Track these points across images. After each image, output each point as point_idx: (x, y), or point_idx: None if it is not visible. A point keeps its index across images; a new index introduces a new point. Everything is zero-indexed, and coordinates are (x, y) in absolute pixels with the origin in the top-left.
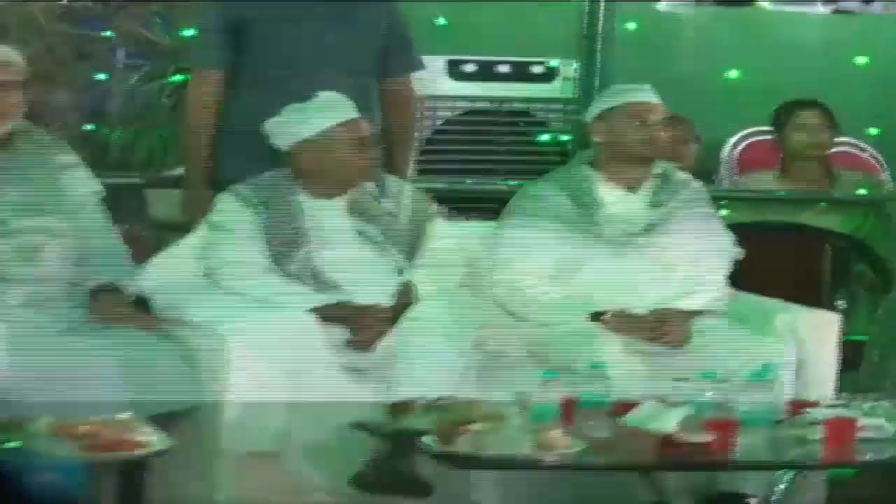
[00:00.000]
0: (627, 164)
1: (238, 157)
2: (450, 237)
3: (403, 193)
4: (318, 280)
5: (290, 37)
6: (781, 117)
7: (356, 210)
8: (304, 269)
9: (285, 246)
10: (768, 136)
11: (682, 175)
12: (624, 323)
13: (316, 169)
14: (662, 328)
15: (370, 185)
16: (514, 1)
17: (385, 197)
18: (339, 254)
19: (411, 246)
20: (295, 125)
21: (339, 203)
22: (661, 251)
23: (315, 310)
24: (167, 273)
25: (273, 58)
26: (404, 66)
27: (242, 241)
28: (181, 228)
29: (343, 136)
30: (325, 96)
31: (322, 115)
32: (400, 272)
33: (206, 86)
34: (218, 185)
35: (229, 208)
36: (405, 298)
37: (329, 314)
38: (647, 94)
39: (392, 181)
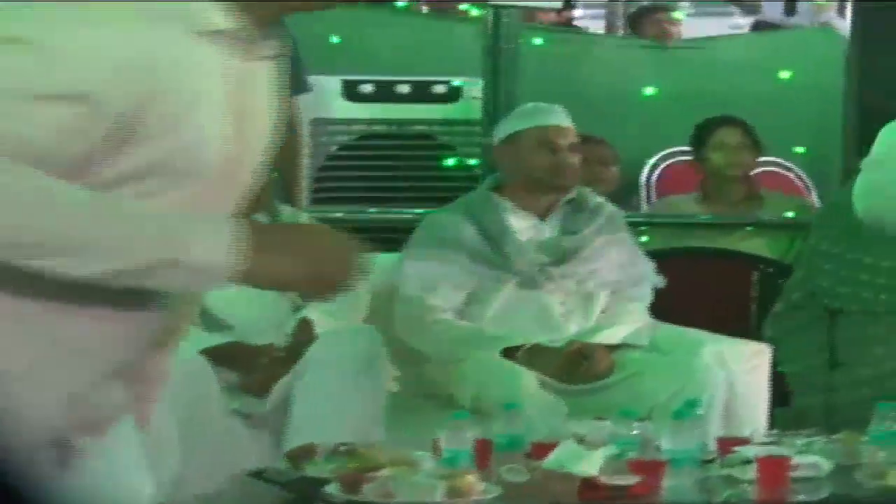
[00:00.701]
0: (539, 191)
1: None
2: None
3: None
4: (207, 319)
5: None
6: (699, 136)
7: None
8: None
9: None
10: (689, 157)
11: (597, 199)
12: (538, 359)
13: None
14: (581, 362)
15: (262, 217)
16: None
17: None
18: (230, 291)
19: None
20: None
21: None
22: (576, 282)
23: (205, 351)
24: None
25: None
26: (292, 88)
27: None
28: None
29: None
30: None
31: None
32: (296, 309)
33: None
34: None
35: None
36: (302, 337)
37: (220, 356)
38: (556, 117)
39: (286, 211)
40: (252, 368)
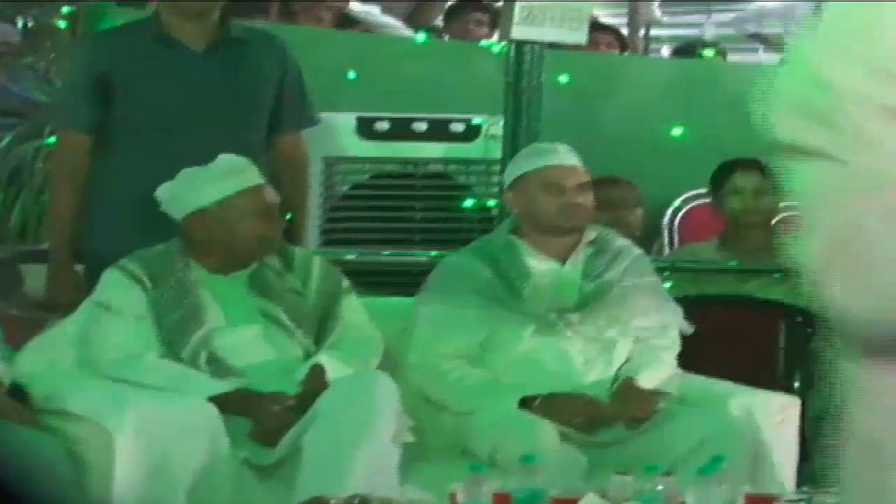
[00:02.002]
0: (551, 233)
1: (111, 226)
2: (363, 315)
3: (311, 267)
4: (215, 365)
5: (165, 91)
6: (718, 179)
7: (258, 287)
8: (199, 353)
9: (178, 328)
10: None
11: (621, 242)
12: (557, 408)
13: (214, 241)
14: (624, 405)
15: (273, 259)
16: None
17: (290, 272)
18: (239, 336)
19: (321, 325)
20: (190, 192)
21: (239, 279)
22: (597, 328)
23: (213, 399)
24: (46, 359)
25: (147, 115)
26: (297, 121)
27: (130, 323)
28: (61, 308)
29: (245, 204)
30: (224, 160)
31: (221, 181)
32: (307, 355)
33: (72, 150)
34: (89, 257)
35: (115, 285)
36: (314, 385)
37: (228, 403)
38: (560, 157)
39: (298, 253)
40: (262, 417)
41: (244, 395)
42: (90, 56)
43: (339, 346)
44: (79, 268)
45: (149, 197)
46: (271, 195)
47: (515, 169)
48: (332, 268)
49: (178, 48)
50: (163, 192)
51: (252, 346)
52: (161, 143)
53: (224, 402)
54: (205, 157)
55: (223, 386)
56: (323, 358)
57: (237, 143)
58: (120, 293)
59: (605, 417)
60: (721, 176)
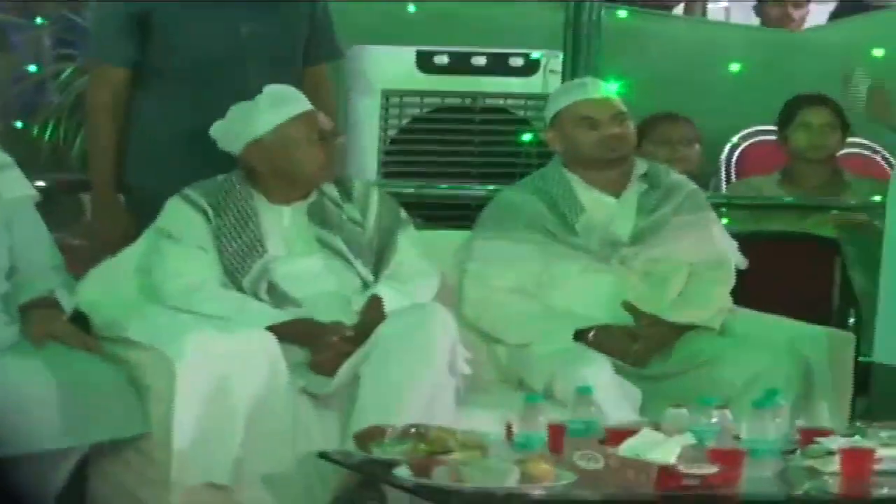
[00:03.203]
0: (594, 167)
1: (154, 162)
2: (420, 247)
3: (370, 198)
4: (274, 294)
5: (208, 27)
6: (786, 115)
7: (317, 217)
8: (260, 282)
9: (239, 256)
10: (770, 137)
11: (675, 176)
12: (609, 341)
13: (273, 170)
14: (647, 338)
15: (332, 189)
16: None
17: (349, 202)
18: (299, 266)
19: (378, 256)
20: (243, 125)
21: (299, 209)
22: (650, 262)
23: (272, 328)
24: (108, 287)
25: (190, 51)
26: (325, 54)
27: (191, 251)
28: (104, 238)
29: (298, 131)
30: (272, 90)
31: (273, 110)
32: (365, 286)
33: (107, 85)
34: (132, 191)
35: (178, 214)
36: (372, 315)
37: (287, 333)
38: (591, 90)
39: (357, 184)
40: (321, 346)
41: (304, 325)
42: None
43: (397, 278)
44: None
45: (191, 132)
46: (323, 120)
47: (551, 107)
48: (390, 199)
49: None
50: (217, 130)
51: (311, 275)
52: (203, 78)
53: (284, 331)
54: (247, 92)
55: (283, 315)
56: (381, 289)
57: (278, 76)
58: (182, 222)
59: (654, 351)
60: (788, 111)
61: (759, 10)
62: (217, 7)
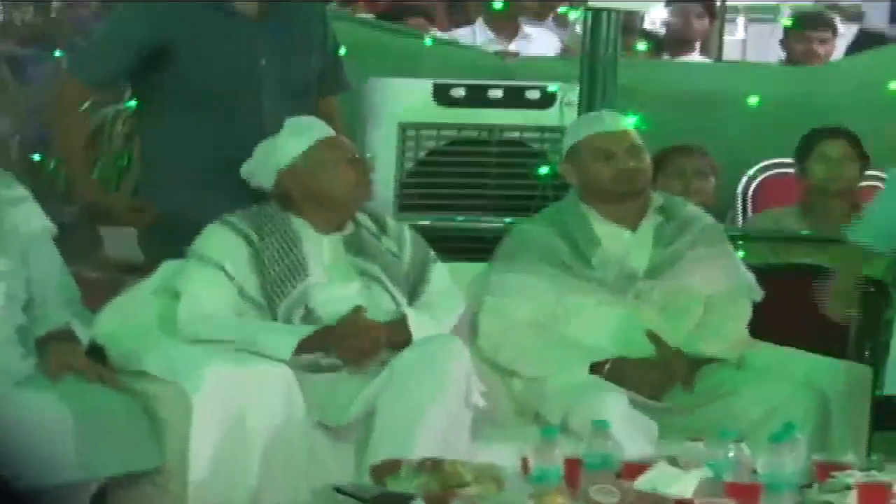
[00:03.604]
0: (610, 200)
1: (170, 191)
2: (450, 281)
3: (404, 234)
4: (310, 320)
5: (223, 57)
6: (803, 147)
7: (354, 247)
8: (296, 308)
9: (280, 280)
10: (789, 170)
11: (691, 209)
12: (626, 374)
13: (309, 194)
14: (663, 371)
15: (368, 221)
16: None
17: (385, 235)
18: (338, 292)
19: (413, 290)
20: (272, 156)
21: (336, 240)
22: (666, 296)
23: (302, 343)
24: (125, 319)
25: (205, 81)
26: (335, 87)
27: (217, 277)
28: (140, 269)
29: (328, 153)
30: (294, 120)
31: (299, 137)
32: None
33: (73, 97)
34: (164, 218)
35: (216, 238)
36: (398, 329)
37: (317, 342)
38: (608, 123)
39: (389, 220)
40: (346, 338)
41: (330, 328)
42: (146, 19)
43: (429, 307)
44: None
45: (207, 163)
46: (351, 144)
47: (567, 140)
48: (419, 236)
49: (233, 15)
50: (246, 169)
51: (350, 302)
52: (219, 110)
53: (313, 342)
54: (263, 124)
55: (308, 329)
56: (411, 312)
57: (293, 108)
58: (220, 245)
59: (670, 383)
60: (806, 143)
61: (785, 45)
62: (235, 39)
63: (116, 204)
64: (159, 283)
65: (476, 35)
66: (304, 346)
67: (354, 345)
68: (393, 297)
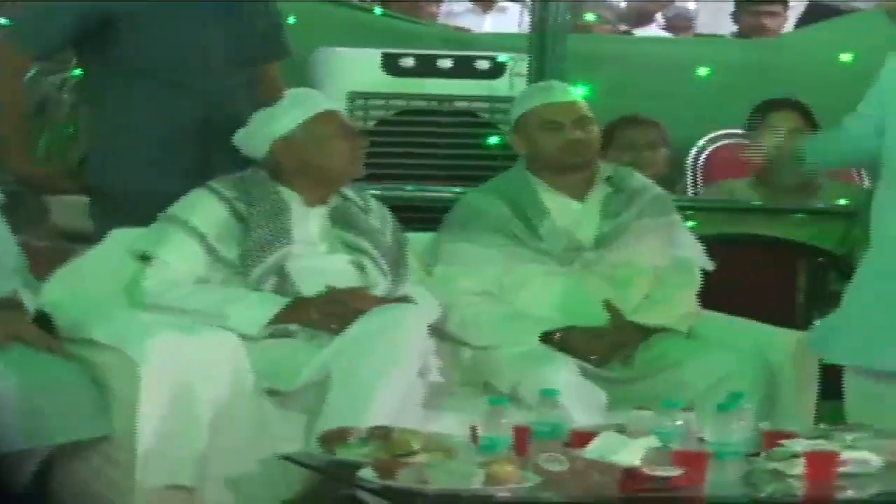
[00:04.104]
0: (559, 171)
1: (123, 164)
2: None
3: (385, 212)
4: (281, 290)
5: (174, 28)
6: (755, 119)
7: (341, 220)
8: (269, 275)
9: (261, 244)
10: (741, 140)
11: (639, 180)
12: (576, 342)
13: (303, 165)
14: (608, 341)
15: (354, 195)
16: None
17: (370, 211)
18: (321, 262)
19: (394, 267)
20: (269, 125)
21: (322, 212)
22: (613, 266)
23: (274, 316)
24: (73, 288)
25: (156, 52)
26: (277, 52)
27: (189, 245)
28: (88, 239)
29: (326, 126)
30: (295, 91)
31: (299, 108)
32: (389, 295)
33: (13, 67)
34: (97, 191)
35: (199, 202)
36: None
37: (290, 315)
38: (555, 94)
39: (371, 197)
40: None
41: (306, 301)
42: None
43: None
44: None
45: (156, 131)
46: (347, 118)
47: (515, 110)
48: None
49: None
50: (240, 137)
51: (333, 273)
52: (166, 77)
53: (285, 316)
54: (211, 91)
55: (283, 300)
56: (418, 290)
57: (239, 75)
58: (200, 208)
59: (619, 350)
60: (757, 115)
61: (737, 18)
62: (180, 7)
63: (50, 175)
64: (108, 251)
65: (456, 5)
66: (275, 320)
67: (340, 319)
68: (384, 273)
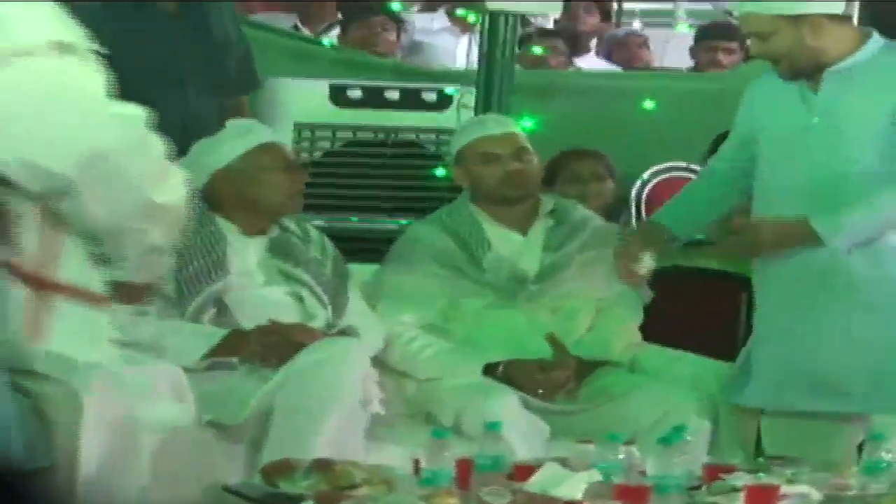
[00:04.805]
0: (500, 203)
1: None
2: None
3: (325, 243)
4: (220, 322)
5: (147, 54)
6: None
7: (280, 251)
8: (206, 306)
9: (196, 277)
10: (685, 174)
11: (581, 212)
12: (518, 375)
13: (241, 197)
14: (552, 374)
15: (293, 226)
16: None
17: (310, 242)
18: (259, 294)
19: (334, 298)
20: (209, 155)
21: (261, 243)
22: (556, 298)
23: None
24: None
25: (131, 77)
26: (246, 85)
27: None
28: None
29: (266, 158)
30: (236, 122)
31: (240, 139)
32: (328, 325)
33: None
34: None
35: None
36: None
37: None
38: (492, 126)
39: (311, 227)
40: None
41: (244, 334)
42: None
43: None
44: None
45: None
46: (290, 151)
47: (455, 144)
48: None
49: (153, 11)
50: (180, 166)
51: (272, 305)
52: (142, 104)
53: (222, 349)
54: (187, 119)
55: (220, 332)
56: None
57: (210, 104)
58: None
59: (563, 384)
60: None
61: (694, 54)
62: (156, 35)
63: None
64: None
65: (434, 22)
66: (213, 352)
67: (280, 352)
68: (323, 304)
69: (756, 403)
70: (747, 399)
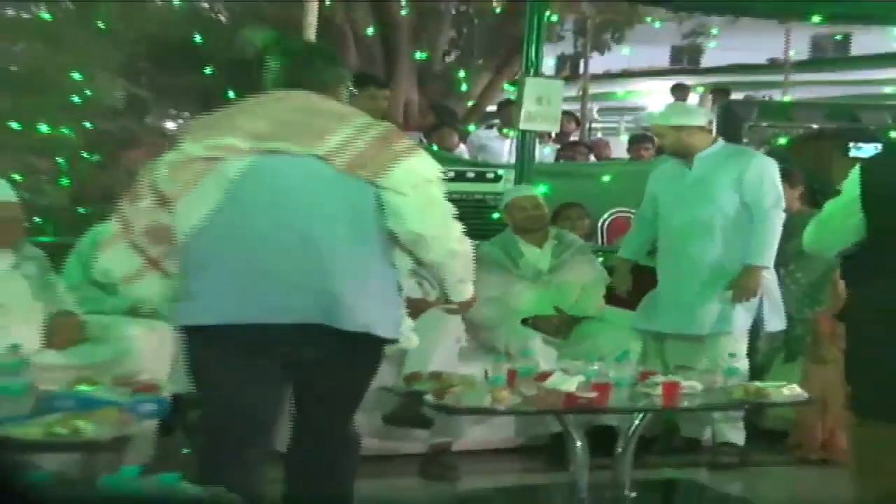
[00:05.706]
0: (526, 232)
1: None
2: None
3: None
4: None
5: None
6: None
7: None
8: None
9: None
10: (628, 214)
11: (572, 237)
12: (541, 324)
13: None
14: (557, 324)
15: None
16: None
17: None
18: None
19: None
20: None
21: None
22: (559, 284)
23: None
24: None
25: None
26: None
27: None
28: None
29: None
30: None
31: None
32: (438, 300)
33: None
34: None
35: None
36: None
37: None
38: (522, 191)
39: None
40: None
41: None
42: None
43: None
44: None
45: None
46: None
47: (503, 200)
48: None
49: None
50: None
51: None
52: None
53: None
54: None
55: None
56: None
57: None
58: None
59: (564, 329)
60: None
61: (629, 150)
62: None
63: None
64: None
65: (491, 133)
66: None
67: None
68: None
69: (658, 328)
70: (649, 325)
